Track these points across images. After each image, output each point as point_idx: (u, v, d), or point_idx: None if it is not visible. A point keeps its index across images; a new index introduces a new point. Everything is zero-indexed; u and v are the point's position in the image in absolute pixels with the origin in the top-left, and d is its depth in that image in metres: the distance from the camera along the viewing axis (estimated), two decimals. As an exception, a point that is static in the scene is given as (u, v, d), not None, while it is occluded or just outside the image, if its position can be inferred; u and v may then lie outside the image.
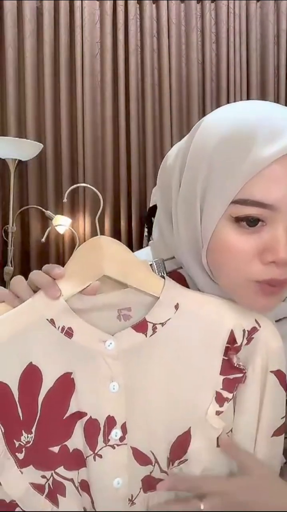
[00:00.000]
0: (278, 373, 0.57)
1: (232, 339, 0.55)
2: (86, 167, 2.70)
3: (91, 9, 2.70)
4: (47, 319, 0.53)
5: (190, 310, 0.55)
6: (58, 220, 2.55)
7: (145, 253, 0.69)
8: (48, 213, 2.58)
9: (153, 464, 0.56)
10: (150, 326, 0.54)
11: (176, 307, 0.55)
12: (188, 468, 0.56)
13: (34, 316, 0.53)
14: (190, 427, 0.55)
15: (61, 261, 2.72)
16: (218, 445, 0.56)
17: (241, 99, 2.79)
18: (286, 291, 0.57)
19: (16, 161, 2.43)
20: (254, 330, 0.55)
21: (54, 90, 2.68)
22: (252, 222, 0.53)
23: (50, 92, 2.66)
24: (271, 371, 0.56)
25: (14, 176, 2.46)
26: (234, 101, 2.83)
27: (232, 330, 0.55)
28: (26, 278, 0.57)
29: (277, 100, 2.87)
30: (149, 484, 0.56)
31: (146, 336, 0.54)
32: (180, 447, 0.55)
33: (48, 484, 0.54)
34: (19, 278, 0.57)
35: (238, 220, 0.53)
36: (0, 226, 2.63)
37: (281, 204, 0.51)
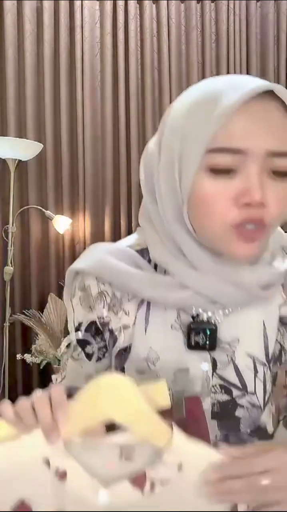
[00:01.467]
0: None
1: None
2: (86, 167, 2.70)
3: (91, 9, 2.70)
4: (43, 458, 0.51)
5: (193, 470, 0.50)
6: (58, 220, 2.55)
7: (134, 238, 0.73)
8: (48, 213, 2.58)
9: None
10: (148, 482, 0.50)
11: (179, 467, 0.50)
12: None
13: (31, 452, 0.52)
14: None
15: (61, 261, 2.72)
16: None
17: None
18: (265, 238, 0.61)
19: (16, 161, 2.43)
20: None
21: (54, 90, 2.68)
22: (225, 171, 0.57)
23: (50, 92, 2.66)
24: None
25: (14, 176, 2.46)
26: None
27: None
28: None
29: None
30: None
31: (142, 493, 0.50)
32: None
33: None
34: (27, 405, 0.54)
35: (212, 170, 0.57)
36: (0, 226, 2.63)
37: (252, 149, 0.56)
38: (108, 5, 2.69)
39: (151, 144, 0.67)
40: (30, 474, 0.51)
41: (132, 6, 2.72)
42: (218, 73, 2.80)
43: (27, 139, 2.56)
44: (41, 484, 0.51)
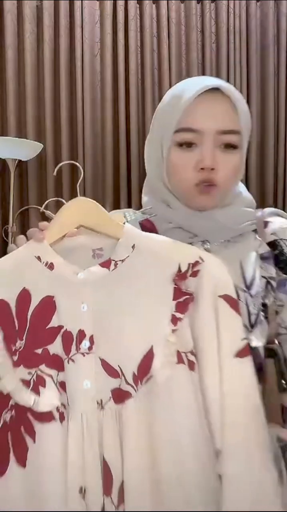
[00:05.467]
0: (226, 298, 0.71)
1: (179, 271, 0.70)
2: (86, 167, 2.70)
3: (91, 9, 2.70)
4: (35, 256, 0.73)
5: (145, 249, 0.72)
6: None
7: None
8: (48, 213, 2.56)
9: (121, 377, 0.68)
10: (112, 262, 0.72)
11: (133, 247, 0.72)
12: (155, 383, 0.67)
13: (27, 254, 0.73)
14: (152, 346, 0.68)
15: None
16: (177, 362, 0.68)
17: (241, 99, 2.79)
18: (218, 192, 0.83)
19: (16, 161, 2.43)
20: (197, 263, 0.70)
21: (54, 90, 2.68)
22: (188, 145, 0.82)
23: (50, 92, 2.66)
24: (219, 296, 0.70)
25: (14, 176, 2.46)
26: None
27: (179, 263, 0.71)
28: None
29: (277, 100, 2.87)
30: (119, 397, 0.68)
31: (109, 270, 0.71)
32: (146, 364, 0.67)
33: (33, 379, 0.70)
34: (22, 236, 0.78)
35: (179, 144, 0.83)
36: (0, 226, 2.63)
37: (205, 129, 0.81)
38: (108, 5, 2.69)
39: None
40: (28, 267, 0.72)
41: (132, 6, 2.71)
42: (218, 73, 2.80)
43: (27, 139, 2.56)
44: (36, 273, 0.72)
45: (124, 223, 0.75)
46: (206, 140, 0.80)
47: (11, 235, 2.50)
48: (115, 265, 0.71)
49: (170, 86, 2.74)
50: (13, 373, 0.70)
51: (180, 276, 0.69)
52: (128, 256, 0.72)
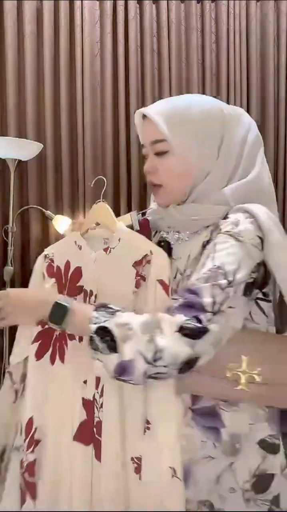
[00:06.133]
0: (161, 282, 0.99)
1: (138, 259, 1.01)
2: (86, 167, 2.70)
3: (91, 9, 2.70)
4: (74, 242, 1.09)
5: (126, 242, 1.05)
6: (58, 220, 2.55)
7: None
8: (48, 213, 2.58)
9: None
10: (109, 249, 1.05)
11: (119, 240, 1.05)
12: None
13: (70, 239, 1.11)
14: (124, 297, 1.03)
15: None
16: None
17: (241, 99, 2.80)
18: (164, 191, 1.06)
19: (16, 161, 2.43)
20: (147, 255, 1.01)
21: (54, 90, 2.68)
22: (145, 156, 1.09)
23: (50, 92, 2.66)
24: (157, 280, 0.99)
25: (14, 176, 2.46)
26: (234, 101, 2.83)
27: (139, 254, 1.01)
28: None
29: (277, 100, 2.87)
30: None
31: (106, 253, 1.05)
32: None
33: None
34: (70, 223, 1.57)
35: (143, 157, 1.10)
36: (0, 226, 2.63)
37: (144, 143, 1.07)
38: (108, 5, 2.69)
39: None
40: (70, 247, 1.10)
41: (132, 6, 2.72)
42: (218, 73, 2.80)
43: (27, 139, 2.56)
44: (73, 251, 1.09)
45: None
46: (148, 151, 1.07)
47: (11, 235, 2.50)
48: (110, 251, 1.05)
49: (170, 86, 2.77)
50: None
51: (137, 263, 1.02)
52: (116, 245, 1.05)
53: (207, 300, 0.90)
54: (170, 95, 2.75)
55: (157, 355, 0.87)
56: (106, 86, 2.71)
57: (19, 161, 2.45)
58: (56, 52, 2.68)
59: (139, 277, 1.01)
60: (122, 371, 0.88)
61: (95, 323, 0.90)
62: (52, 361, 1.05)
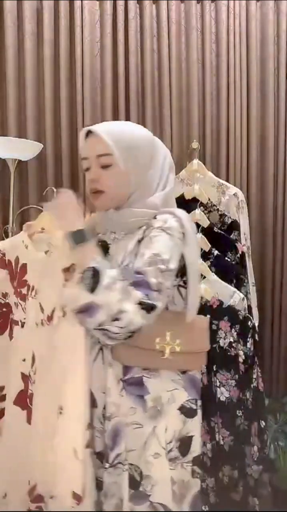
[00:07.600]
0: None
1: (67, 267, 1.20)
2: (86, 167, 2.70)
3: (91, 9, 2.70)
4: (22, 241, 1.32)
5: (60, 250, 1.22)
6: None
7: None
8: (48, 213, 2.57)
9: (43, 312, 1.28)
10: (48, 252, 1.29)
11: (56, 247, 1.26)
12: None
13: (19, 239, 1.34)
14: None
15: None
16: None
17: (241, 99, 2.79)
18: (103, 198, 1.26)
19: (16, 161, 2.43)
20: (75, 264, 1.18)
21: (54, 90, 2.68)
22: (88, 168, 1.27)
23: (50, 92, 2.66)
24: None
25: (14, 176, 2.46)
26: (234, 101, 2.82)
27: (73, 263, 1.20)
28: None
29: (277, 100, 2.87)
30: (48, 319, 1.26)
31: (46, 255, 1.28)
32: None
33: (14, 302, 1.35)
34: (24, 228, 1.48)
35: (85, 168, 1.29)
36: (0, 226, 2.63)
37: (89, 156, 1.26)
38: (108, 5, 2.69)
39: None
40: (20, 245, 1.30)
41: (132, 6, 2.71)
42: (218, 73, 2.80)
43: (27, 139, 2.56)
44: (22, 249, 1.28)
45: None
46: (92, 163, 1.26)
47: (11, 235, 2.49)
48: (49, 254, 1.25)
49: (170, 86, 2.77)
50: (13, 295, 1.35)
51: (64, 270, 1.19)
52: (54, 251, 1.25)
53: (152, 280, 1.11)
54: (170, 95, 2.76)
55: (119, 315, 1.07)
56: (106, 86, 2.70)
57: (19, 161, 2.45)
58: (56, 52, 2.67)
59: (66, 282, 1.18)
60: (86, 310, 1.08)
61: (95, 263, 1.12)
62: (10, 337, 1.33)
